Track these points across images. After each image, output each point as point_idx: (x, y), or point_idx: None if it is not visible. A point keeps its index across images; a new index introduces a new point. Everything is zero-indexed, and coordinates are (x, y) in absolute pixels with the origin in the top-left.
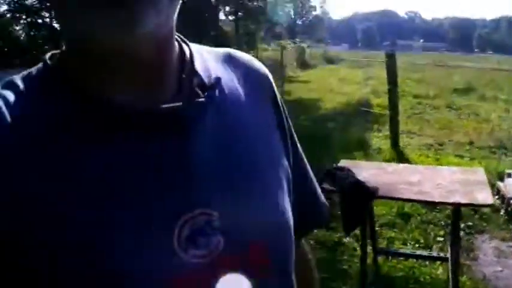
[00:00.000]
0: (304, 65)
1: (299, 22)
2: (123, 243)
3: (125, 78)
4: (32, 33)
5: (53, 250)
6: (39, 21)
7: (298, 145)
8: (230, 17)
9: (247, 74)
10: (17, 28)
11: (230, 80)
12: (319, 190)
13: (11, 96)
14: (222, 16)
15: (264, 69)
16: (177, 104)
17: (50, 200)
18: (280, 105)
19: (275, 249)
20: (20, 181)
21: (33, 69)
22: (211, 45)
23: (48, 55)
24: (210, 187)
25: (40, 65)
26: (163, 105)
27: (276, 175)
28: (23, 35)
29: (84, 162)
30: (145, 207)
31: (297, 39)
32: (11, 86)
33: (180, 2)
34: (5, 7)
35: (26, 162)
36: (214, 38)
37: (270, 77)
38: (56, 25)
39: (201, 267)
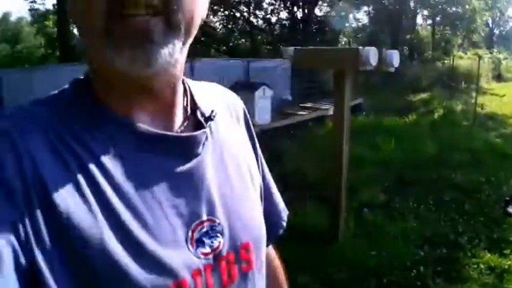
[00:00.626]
0: (499, 77)
1: (496, 32)
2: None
3: (143, 106)
4: (229, 26)
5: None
6: (237, 14)
7: (264, 163)
8: (427, 22)
9: (228, 104)
10: (214, 20)
11: (219, 111)
12: (282, 203)
13: (44, 115)
14: (419, 20)
15: (239, 100)
16: (194, 133)
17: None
18: (252, 130)
19: (256, 249)
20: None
21: (65, 90)
22: (405, 49)
23: (73, 80)
24: (213, 200)
25: (68, 86)
26: (182, 133)
27: (255, 193)
28: (220, 27)
29: (119, 177)
30: (166, 218)
31: (494, 50)
32: (46, 107)
33: (187, 48)
34: None
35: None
36: (409, 42)
37: (244, 106)
38: (253, 19)
39: (206, 262)
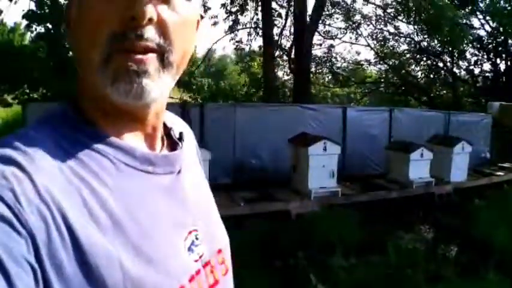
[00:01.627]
0: None
1: None
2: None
3: (133, 131)
4: (431, 75)
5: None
6: (440, 64)
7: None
8: None
9: (186, 128)
10: (417, 69)
11: (178, 129)
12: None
13: (44, 142)
14: None
15: (189, 127)
16: (177, 151)
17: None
18: (200, 156)
19: (226, 254)
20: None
21: (58, 115)
22: None
23: (63, 102)
24: (194, 211)
25: (60, 110)
26: (167, 152)
27: (215, 207)
28: (422, 76)
29: (126, 199)
30: (167, 230)
31: None
32: (43, 134)
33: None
34: (404, 47)
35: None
36: None
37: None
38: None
39: (197, 266)
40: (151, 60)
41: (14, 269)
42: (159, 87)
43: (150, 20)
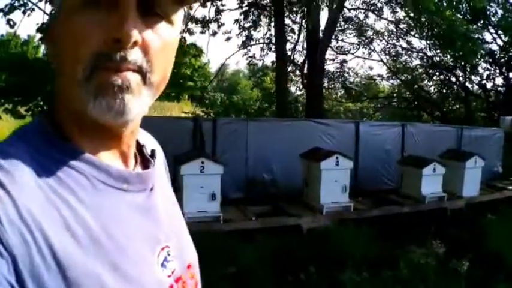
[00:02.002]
0: None
1: None
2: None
3: (109, 148)
4: (443, 90)
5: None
6: (453, 79)
7: None
8: None
9: (156, 145)
10: (429, 84)
11: (149, 146)
12: None
13: (22, 158)
14: None
15: (157, 142)
16: (149, 170)
17: (70, 252)
18: (168, 172)
19: (195, 267)
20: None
21: (31, 131)
22: None
23: (40, 116)
24: (166, 227)
25: (36, 124)
26: (141, 170)
27: (184, 221)
28: (434, 91)
29: (102, 215)
30: (141, 247)
31: None
32: (16, 150)
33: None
34: (417, 61)
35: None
36: None
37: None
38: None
39: (170, 281)
40: (134, 78)
41: None
42: (139, 104)
43: (135, 43)
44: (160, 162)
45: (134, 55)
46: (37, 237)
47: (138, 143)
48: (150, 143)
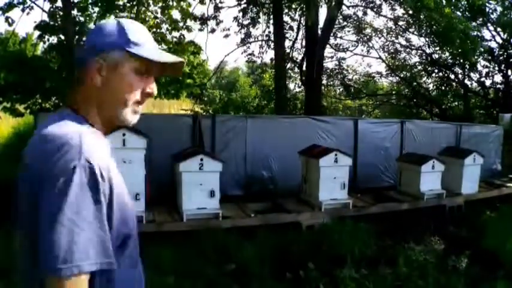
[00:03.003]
0: None
1: None
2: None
3: (105, 130)
4: (442, 87)
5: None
6: (451, 76)
7: None
8: None
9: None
10: (428, 81)
11: None
12: None
13: (93, 139)
14: None
15: None
16: None
17: (119, 188)
18: None
19: None
20: (113, 179)
21: (73, 117)
22: None
23: (70, 113)
24: None
25: (72, 118)
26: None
27: None
28: (433, 88)
29: (114, 163)
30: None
31: None
32: (87, 129)
33: None
34: (416, 59)
35: (111, 166)
36: None
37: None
38: (467, 82)
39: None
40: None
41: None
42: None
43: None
44: None
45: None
46: (109, 178)
47: None
48: None
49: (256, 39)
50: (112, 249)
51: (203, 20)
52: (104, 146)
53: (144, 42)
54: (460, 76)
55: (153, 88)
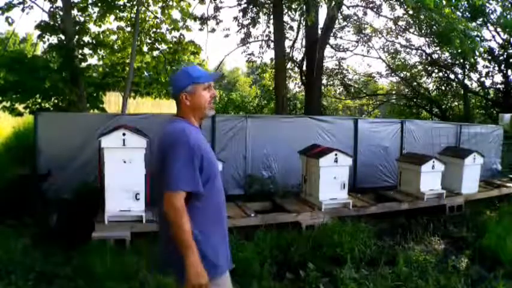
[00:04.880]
0: None
1: None
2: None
3: (199, 123)
4: (442, 87)
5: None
6: (451, 76)
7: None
8: None
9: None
10: (428, 81)
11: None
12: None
13: (192, 129)
14: None
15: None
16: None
17: (206, 151)
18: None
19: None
20: (201, 145)
21: (184, 121)
22: None
23: (177, 119)
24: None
25: (183, 120)
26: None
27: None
28: (433, 88)
29: (204, 139)
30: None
31: None
32: (188, 125)
33: None
34: (416, 59)
35: (201, 139)
36: None
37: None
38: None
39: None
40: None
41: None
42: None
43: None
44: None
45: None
46: (199, 144)
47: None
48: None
49: (256, 39)
50: (200, 181)
51: (203, 20)
52: (199, 133)
53: (200, 74)
54: (460, 76)
55: (214, 93)
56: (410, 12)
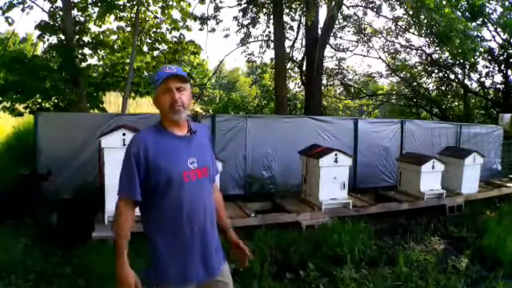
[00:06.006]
0: None
1: None
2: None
3: (175, 128)
4: (442, 87)
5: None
6: (451, 76)
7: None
8: None
9: (204, 129)
10: (428, 81)
11: (199, 130)
12: (218, 166)
13: (148, 131)
14: None
15: (206, 126)
16: (190, 135)
17: (156, 157)
18: (210, 139)
19: (209, 169)
20: (149, 152)
21: (156, 124)
22: None
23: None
24: (194, 151)
25: (157, 123)
26: (186, 135)
27: (212, 158)
28: (433, 88)
29: (165, 144)
30: (180, 158)
31: None
32: (146, 131)
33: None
34: (416, 59)
35: (152, 145)
36: None
37: (207, 130)
38: (467, 82)
39: (192, 168)
40: (182, 109)
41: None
42: (184, 115)
43: (179, 100)
44: (202, 135)
45: (180, 102)
46: (145, 151)
47: (190, 128)
48: (199, 127)
49: (256, 39)
50: (138, 190)
51: (203, 20)
52: (161, 138)
53: (158, 78)
54: (460, 76)
55: (174, 96)
56: (410, 12)
